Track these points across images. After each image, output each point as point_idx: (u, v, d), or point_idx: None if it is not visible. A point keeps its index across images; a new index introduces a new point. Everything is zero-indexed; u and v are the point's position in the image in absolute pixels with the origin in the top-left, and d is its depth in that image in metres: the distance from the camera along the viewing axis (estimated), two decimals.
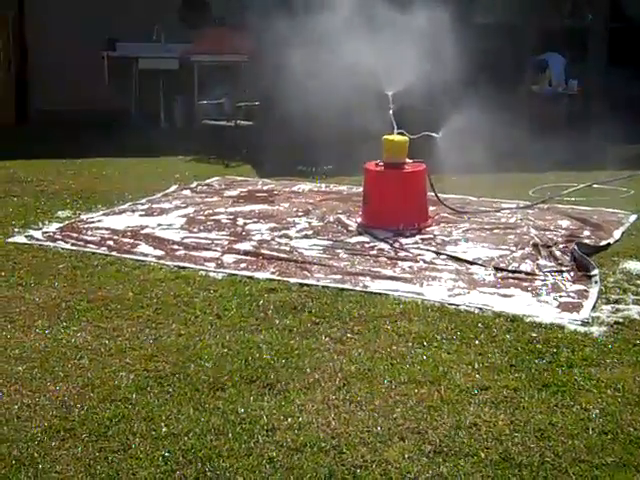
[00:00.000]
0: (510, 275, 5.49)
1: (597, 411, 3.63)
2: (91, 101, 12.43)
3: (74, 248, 6.09)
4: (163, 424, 3.53)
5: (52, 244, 6.19)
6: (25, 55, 13.43)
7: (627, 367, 4.05)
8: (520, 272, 5.53)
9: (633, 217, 6.96)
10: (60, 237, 6.37)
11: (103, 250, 6.05)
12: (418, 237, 6.39)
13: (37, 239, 6.32)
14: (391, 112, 6.86)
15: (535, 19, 8.40)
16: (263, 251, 6.03)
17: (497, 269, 5.58)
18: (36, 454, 3.30)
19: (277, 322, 4.66)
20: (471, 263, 5.74)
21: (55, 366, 4.07)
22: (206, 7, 12.52)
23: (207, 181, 8.74)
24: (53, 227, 6.68)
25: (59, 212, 7.18)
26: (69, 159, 9.82)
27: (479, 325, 4.61)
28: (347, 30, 7.50)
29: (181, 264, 5.73)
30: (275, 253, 5.97)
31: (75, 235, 6.42)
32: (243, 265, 5.73)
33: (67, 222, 6.85)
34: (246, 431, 3.49)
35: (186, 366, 4.09)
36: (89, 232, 6.52)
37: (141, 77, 12.85)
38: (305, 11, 7.74)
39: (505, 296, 5.11)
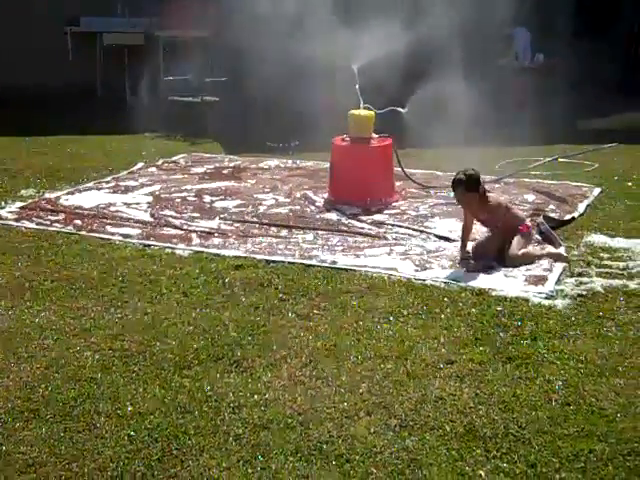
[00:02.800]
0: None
1: (560, 383, 3.67)
2: (55, 77, 12.24)
3: (38, 227, 6.02)
4: (129, 403, 3.52)
5: (15, 224, 6.11)
6: None
7: (589, 339, 4.10)
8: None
9: (597, 190, 7.02)
10: (24, 216, 6.30)
11: (68, 229, 5.99)
12: (385, 212, 6.40)
13: (0, 219, 6.24)
14: (357, 87, 6.83)
15: None
16: (229, 228, 6.01)
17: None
18: (0, 436, 3.27)
19: (243, 299, 4.65)
20: (439, 237, 5.76)
21: (18, 347, 4.03)
22: None
23: (173, 158, 8.66)
24: (16, 206, 6.59)
25: (22, 191, 7.09)
26: (33, 136, 9.69)
27: (445, 299, 4.64)
28: (314, 3, 7.46)
29: (147, 242, 5.69)
30: (241, 230, 5.95)
31: (39, 214, 6.35)
32: (209, 243, 5.70)
33: (30, 201, 6.77)
34: (212, 409, 3.49)
35: (152, 345, 4.07)
36: (53, 211, 6.44)
37: (106, 52, 12.67)
38: None
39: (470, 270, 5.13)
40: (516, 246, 5.25)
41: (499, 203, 5.41)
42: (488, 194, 5.41)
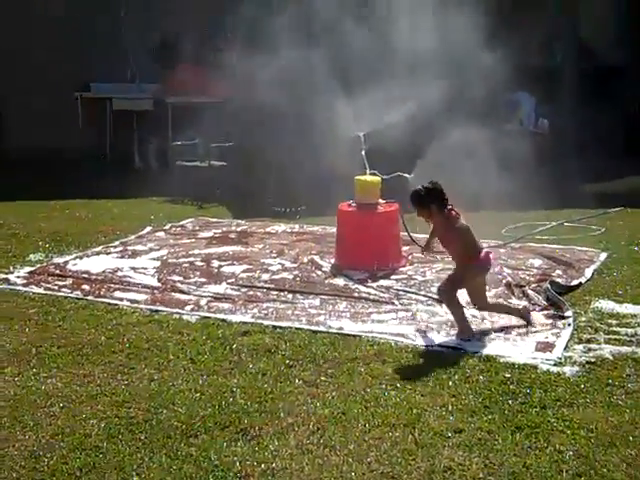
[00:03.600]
0: (484, 315, 5.50)
1: (571, 452, 3.63)
2: (65, 141, 12.42)
3: (46, 292, 6.04)
4: (134, 473, 3.49)
5: (23, 289, 6.13)
6: None
7: (599, 407, 4.07)
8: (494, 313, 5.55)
9: (604, 255, 7.03)
10: (32, 281, 6.32)
11: (75, 294, 6.00)
12: (392, 277, 6.41)
13: (8, 284, 6.27)
14: (363, 153, 6.90)
15: (507, 58, 8.57)
16: (237, 293, 6.02)
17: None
18: None
19: (251, 366, 4.64)
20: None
21: (24, 414, 4.02)
22: (180, 49, 12.58)
23: (181, 222, 8.72)
24: (24, 271, 6.62)
25: (31, 255, 7.12)
26: (42, 200, 9.77)
27: (453, 366, 4.62)
28: (320, 72, 7.59)
29: (154, 307, 5.70)
30: (249, 296, 5.97)
31: (47, 279, 6.37)
32: (216, 308, 5.71)
33: (39, 266, 6.80)
34: (219, 478, 3.45)
35: (158, 412, 4.05)
36: (61, 276, 6.47)
37: (115, 117, 12.86)
38: (278, 53, 7.83)
39: (479, 336, 5.11)
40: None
41: (463, 228, 5.13)
42: (455, 217, 5.12)
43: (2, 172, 11.82)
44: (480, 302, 5.34)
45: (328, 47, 7.61)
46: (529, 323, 5.27)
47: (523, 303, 5.71)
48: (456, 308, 5.23)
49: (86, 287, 6.18)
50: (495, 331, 5.20)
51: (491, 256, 5.31)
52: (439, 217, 5.15)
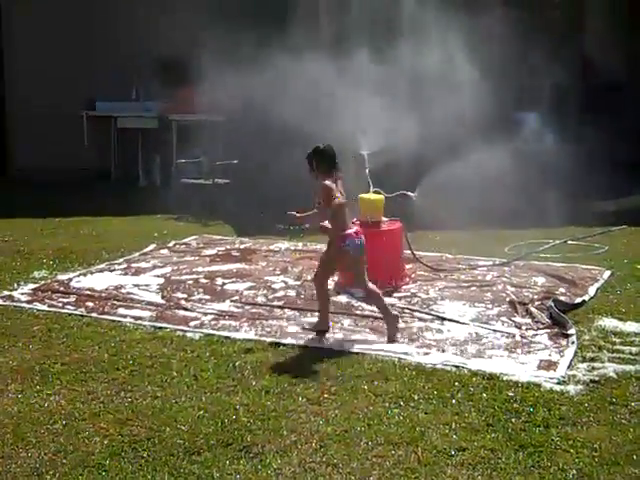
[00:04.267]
0: (488, 333, 5.50)
1: (574, 471, 3.62)
2: (70, 159, 12.48)
3: (50, 309, 6.05)
4: None
5: (27, 305, 6.14)
6: (3, 114, 13.50)
7: (603, 426, 4.05)
8: (497, 330, 5.55)
9: (607, 273, 7.02)
10: (36, 298, 6.33)
11: (79, 311, 6.01)
12: (395, 295, 6.41)
13: (12, 300, 6.28)
14: (367, 171, 6.92)
15: (513, 76, 8.64)
16: (240, 311, 6.03)
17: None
18: None
19: (254, 383, 4.64)
20: (449, 321, 5.75)
21: (27, 431, 4.01)
22: (185, 67, 12.65)
23: (185, 240, 8.74)
24: (29, 288, 6.63)
25: (35, 272, 7.14)
26: (47, 218, 9.80)
27: (456, 384, 4.61)
28: (324, 90, 7.62)
29: (158, 324, 5.71)
30: (252, 313, 5.98)
31: (51, 296, 6.39)
32: (220, 325, 5.71)
33: (43, 282, 6.81)
34: None
35: (161, 430, 4.04)
36: (65, 293, 6.48)
37: (120, 135, 12.93)
38: (282, 72, 7.87)
39: (482, 354, 5.11)
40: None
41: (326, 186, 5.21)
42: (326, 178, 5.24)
43: (7, 190, 11.91)
44: (360, 286, 5.45)
45: (332, 63, 7.64)
46: (390, 335, 5.34)
47: (526, 321, 5.71)
48: (321, 297, 5.46)
49: (90, 304, 6.20)
50: (498, 348, 5.20)
51: (358, 237, 5.40)
52: (322, 178, 5.29)
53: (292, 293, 6.52)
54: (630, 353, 5.05)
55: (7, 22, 13.21)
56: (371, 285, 5.43)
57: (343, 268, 5.47)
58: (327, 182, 5.26)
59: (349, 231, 5.36)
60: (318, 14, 10.97)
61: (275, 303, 6.23)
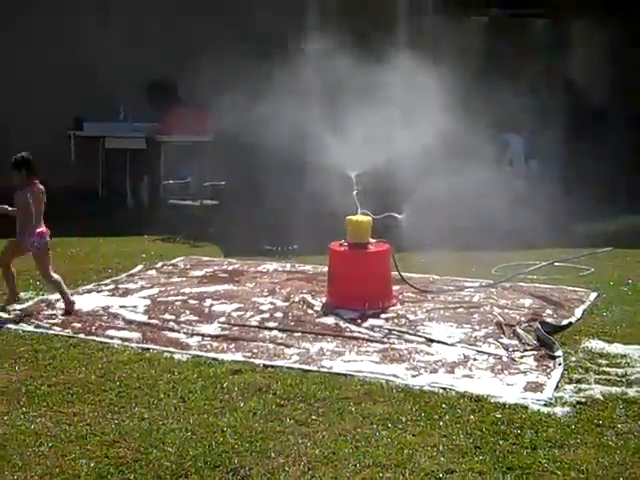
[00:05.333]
0: (475, 355, 5.52)
1: None
2: (57, 179, 12.44)
3: (36, 330, 6.03)
4: None
5: (14, 326, 6.12)
6: None
7: (590, 448, 4.07)
8: (484, 352, 5.57)
9: (593, 295, 7.06)
10: (22, 319, 6.31)
11: (66, 332, 5.99)
12: (383, 317, 6.42)
13: None
14: (355, 193, 6.95)
15: (495, 98, 8.72)
16: (228, 332, 6.02)
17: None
18: None
19: (241, 405, 4.63)
20: (436, 342, 5.77)
21: (13, 454, 3.99)
22: (173, 88, 12.69)
23: (172, 261, 8.73)
24: (14, 308, 6.60)
25: (22, 293, 7.09)
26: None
27: (443, 406, 4.62)
28: (312, 112, 7.65)
29: (145, 346, 5.69)
30: (240, 334, 5.97)
31: (38, 317, 6.36)
32: (208, 347, 5.71)
33: (30, 303, 6.79)
34: None
35: (148, 452, 4.03)
36: (52, 314, 6.46)
37: (108, 156, 12.91)
38: (271, 92, 7.90)
39: (469, 376, 5.13)
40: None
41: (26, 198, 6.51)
42: (32, 188, 6.60)
43: None
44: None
45: (320, 86, 7.69)
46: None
47: (513, 343, 5.73)
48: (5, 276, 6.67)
49: (77, 325, 6.17)
50: (485, 370, 5.22)
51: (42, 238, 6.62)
52: (22, 182, 6.51)
53: (280, 314, 6.51)
54: (616, 375, 5.08)
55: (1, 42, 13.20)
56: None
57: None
58: (30, 194, 6.56)
59: (39, 230, 6.55)
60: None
61: (263, 324, 6.23)
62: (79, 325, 6.18)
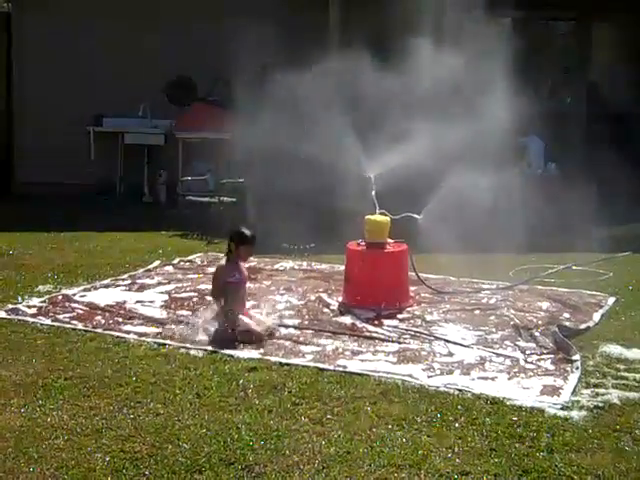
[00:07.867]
0: (492, 357, 5.50)
1: None
2: (76, 175, 12.53)
3: (54, 324, 6.06)
4: None
5: (31, 319, 6.15)
6: (10, 129, 13.57)
7: (607, 453, 4.04)
8: (501, 354, 5.54)
9: (612, 299, 7.01)
10: (40, 312, 6.34)
11: (83, 326, 6.01)
12: (399, 317, 6.40)
13: (16, 314, 6.28)
14: (373, 193, 6.94)
15: (517, 102, 8.67)
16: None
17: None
18: None
19: (257, 402, 4.63)
20: (452, 343, 5.75)
21: (29, 446, 4.01)
22: (192, 86, 12.72)
23: (189, 257, 8.74)
24: (33, 302, 6.64)
25: (40, 286, 7.14)
26: (52, 232, 9.82)
27: (459, 407, 4.60)
28: (331, 110, 7.64)
29: (162, 341, 5.70)
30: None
31: (55, 310, 6.39)
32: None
33: (47, 297, 6.82)
34: None
35: (163, 447, 4.04)
36: (69, 307, 6.49)
37: (126, 151, 12.97)
38: (289, 90, 7.89)
39: (485, 378, 5.10)
40: None
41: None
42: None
43: (13, 204, 11.94)
44: None
45: (339, 85, 7.67)
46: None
47: (530, 346, 5.70)
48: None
49: (94, 319, 6.20)
50: (501, 372, 5.19)
51: None
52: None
53: (295, 312, 6.51)
54: (634, 380, 5.03)
55: (18, 38, 13.30)
56: None
57: None
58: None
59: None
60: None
61: (279, 322, 6.22)
62: (96, 319, 6.20)
